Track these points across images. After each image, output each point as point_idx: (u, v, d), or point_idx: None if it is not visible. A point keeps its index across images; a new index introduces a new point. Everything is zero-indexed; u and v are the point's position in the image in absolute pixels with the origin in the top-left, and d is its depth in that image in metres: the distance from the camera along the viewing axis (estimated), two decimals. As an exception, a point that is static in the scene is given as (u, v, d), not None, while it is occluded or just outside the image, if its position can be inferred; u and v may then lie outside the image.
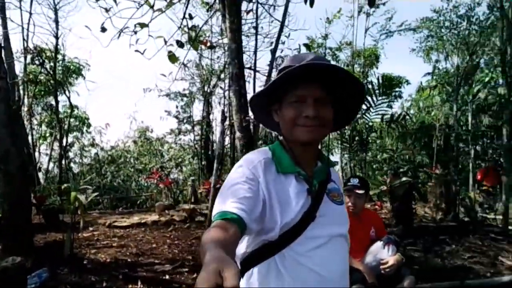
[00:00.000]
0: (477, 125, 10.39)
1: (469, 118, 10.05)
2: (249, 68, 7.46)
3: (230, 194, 1.04)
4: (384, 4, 12.26)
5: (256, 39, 7.58)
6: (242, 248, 1.13)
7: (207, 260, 0.68)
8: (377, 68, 16.30)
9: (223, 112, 5.02)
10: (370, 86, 11.42)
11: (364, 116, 11.54)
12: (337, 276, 1.12)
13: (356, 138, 10.48)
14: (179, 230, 6.40)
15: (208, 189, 7.80)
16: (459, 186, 7.18)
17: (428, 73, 15.40)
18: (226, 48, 6.19)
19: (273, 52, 6.29)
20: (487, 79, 8.74)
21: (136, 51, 5.00)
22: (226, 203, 1.01)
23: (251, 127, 6.14)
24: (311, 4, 5.53)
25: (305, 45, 8.30)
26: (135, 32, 5.13)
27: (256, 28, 7.71)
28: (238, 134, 5.78)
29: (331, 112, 1.16)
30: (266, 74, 7.23)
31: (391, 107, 12.59)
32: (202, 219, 7.06)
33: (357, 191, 2.99)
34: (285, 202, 1.10)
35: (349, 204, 3.00)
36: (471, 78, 9.62)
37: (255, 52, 7.66)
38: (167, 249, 5.19)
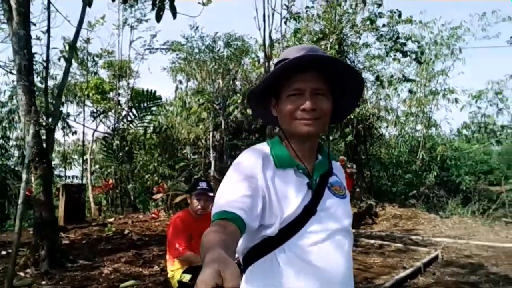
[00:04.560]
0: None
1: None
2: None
3: (229, 193, 1.02)
4: (146, 21, 12.59)
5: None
6: (243, 243, 1.11)
7: (207, 260, 0.68)
8: (126, 81, 16.25)
9: (36, 109, 3.98)
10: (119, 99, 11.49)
11: (130, 126, 11.46)
12: (339, 271, 1.08)
13: (126, 148, 10.25)
14: None
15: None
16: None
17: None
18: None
19: (72, 47, 5.54)
20: (239, 100, 10.84)
21: None
22: (225, 202, 0.99)
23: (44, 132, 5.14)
24: (90, 5, 5.31)
25: (69, 44, 7.70)
26: None
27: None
28: (28, 140, 4.73)
29: (330, 104, 1.13)
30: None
31: (141, 119, 12.97)
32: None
33: (209, 193, 3.15)
34: (285, 197, 1.08)
35: (199, 207, 3.14)
36: (227, 99, 11.66)
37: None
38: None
